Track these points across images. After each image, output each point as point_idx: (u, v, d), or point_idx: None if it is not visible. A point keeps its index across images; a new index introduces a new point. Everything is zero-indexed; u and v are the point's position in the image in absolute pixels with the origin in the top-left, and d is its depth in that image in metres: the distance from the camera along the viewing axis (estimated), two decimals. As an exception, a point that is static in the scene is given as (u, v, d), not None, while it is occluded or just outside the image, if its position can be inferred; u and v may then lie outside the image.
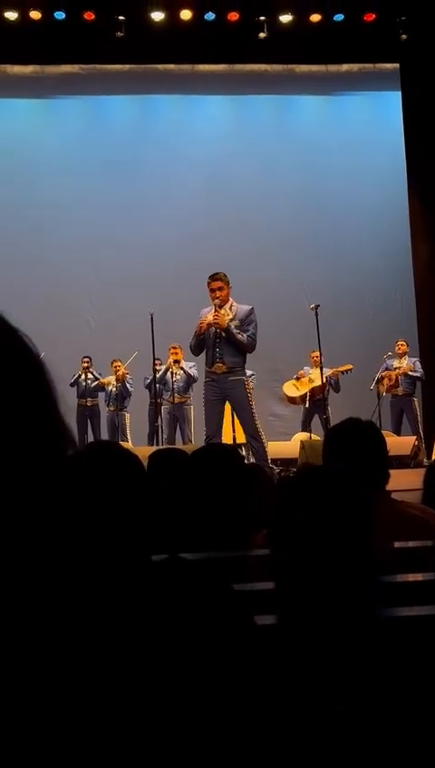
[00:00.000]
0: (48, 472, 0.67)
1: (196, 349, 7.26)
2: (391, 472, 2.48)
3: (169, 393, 10.45)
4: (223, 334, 6.96)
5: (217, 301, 6.99)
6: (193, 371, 10.22)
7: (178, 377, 10.48)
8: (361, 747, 1.13)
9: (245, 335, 6.96)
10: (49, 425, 0.69)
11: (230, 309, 7.02)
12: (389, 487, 2.44)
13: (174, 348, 10.36)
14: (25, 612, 0.63)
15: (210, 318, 6.96)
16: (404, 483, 5.29)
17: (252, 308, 7.09)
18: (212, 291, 7.03)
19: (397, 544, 2.13)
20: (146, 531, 1.66)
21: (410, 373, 10.54)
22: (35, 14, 11.02)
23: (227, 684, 0.68)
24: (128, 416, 11.10)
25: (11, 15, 11.04)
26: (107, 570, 0.70)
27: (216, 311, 6.98)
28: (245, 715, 0.68)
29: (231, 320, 6.96)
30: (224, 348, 7.02)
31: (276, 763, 0.71)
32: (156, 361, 9.90)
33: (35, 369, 0.70)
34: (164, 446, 8.41)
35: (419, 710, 1.19)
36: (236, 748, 0.67)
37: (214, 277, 7.08)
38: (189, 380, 10.46)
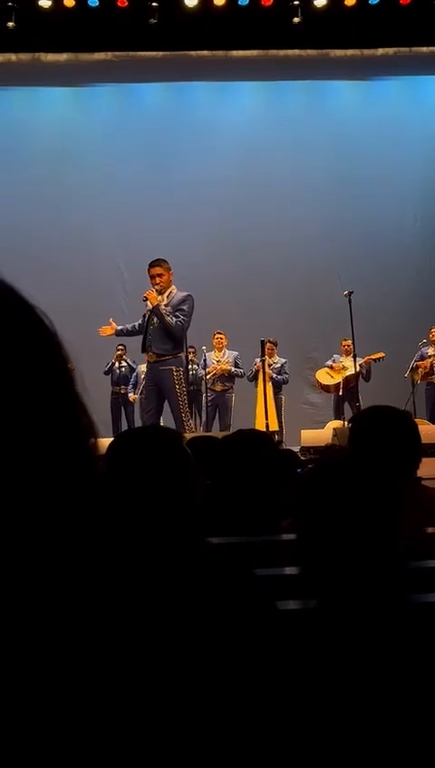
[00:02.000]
0: (68, 455, 0.65)
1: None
2: (426, 460, 2.45)
3: (212, 381, 10.38)
4: (154, 320, 7.01)
5: (157, 287, 7.07)
6: (236, 370, 10.33)
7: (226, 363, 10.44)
8: (361, 747, 1.11)
9: (174, 319, 6.98)
10: (68, 407, 0.67)
11: (168, 296, 7.08)
12: (423, 475, 2.42)
13: (219, 333, 10.37)
14: (26, 607, 0.60)
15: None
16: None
17: (188, 294, 7.13)
18: (152, 277, 7.11)
19: (430, 530, 2.11)
20: (189, 516, 1.64)
21: None
22: (69, 2, 11.09)
23: (235, 676, 0.67)
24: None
25: (45, 3, 11.10)
26: (114, 561, 0.68)
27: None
28: (247, 713, 0.67)
29: (165, 305, 7.02)
30: (154, 334, 7.06)
31: (277, 763, 0.70)
32: (189, 350, 9.87)
33: (52, 348, 0.67)
34: (200, 433, 8.41)
35: (421, 710, 1.17)
36: (237, 746, 0.65)
37: (153, 264, 7.15)
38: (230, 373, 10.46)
